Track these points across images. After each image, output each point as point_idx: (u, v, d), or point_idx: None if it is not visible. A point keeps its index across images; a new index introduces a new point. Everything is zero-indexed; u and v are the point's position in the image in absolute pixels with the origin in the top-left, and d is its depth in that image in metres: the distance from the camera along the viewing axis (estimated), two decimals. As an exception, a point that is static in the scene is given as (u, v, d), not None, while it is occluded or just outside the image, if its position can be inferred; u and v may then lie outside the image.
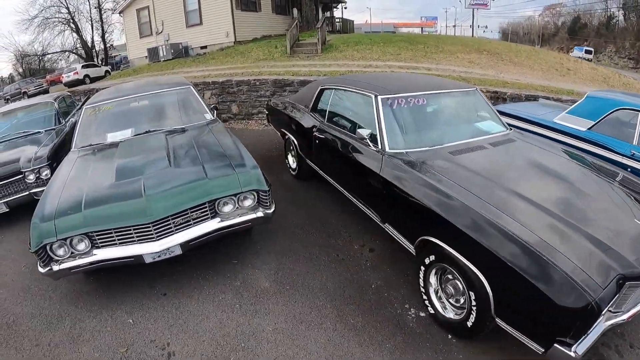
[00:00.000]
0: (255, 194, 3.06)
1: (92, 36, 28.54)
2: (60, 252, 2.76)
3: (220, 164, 3.21)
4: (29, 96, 20.92)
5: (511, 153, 2.94)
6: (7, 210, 4.95)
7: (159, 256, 2.88)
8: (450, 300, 2.42)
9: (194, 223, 2.96)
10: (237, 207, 3.06)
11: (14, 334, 2.95)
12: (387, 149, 2.94)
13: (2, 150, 5.56)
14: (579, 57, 22.66)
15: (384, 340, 2.46)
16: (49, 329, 2.91)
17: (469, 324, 2.20)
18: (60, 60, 30.15)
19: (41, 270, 2.76)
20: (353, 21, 26.27)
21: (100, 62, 26.36)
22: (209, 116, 4.67)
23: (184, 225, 2.94)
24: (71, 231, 2.69)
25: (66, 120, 6.75)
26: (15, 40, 43.79)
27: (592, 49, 36.17)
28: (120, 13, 18.70)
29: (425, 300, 2.57)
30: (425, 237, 2.41)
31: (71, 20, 27.45)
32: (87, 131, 4.34)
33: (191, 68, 13.18)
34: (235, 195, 3.00)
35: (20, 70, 47.98)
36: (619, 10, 45.08)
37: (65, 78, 21.53)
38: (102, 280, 3.48)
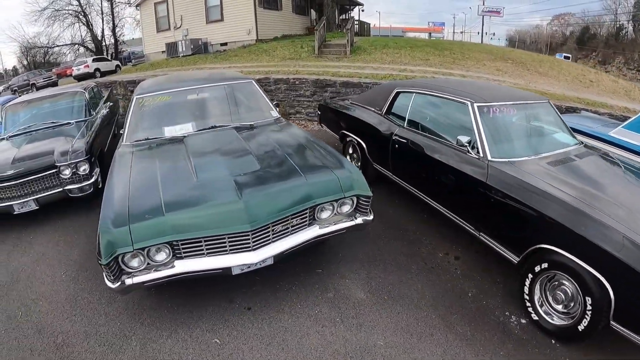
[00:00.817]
0: (354, 199, 2.80)
1: (103, 30, 28.02)
2: (134, 263, 2.34)
3: (316, 166, 2.89)
4: (37, 88, 20.29)
5: (599, 165, 2.99)
6: (37, 208, 4.42)
7: (248, 267, 2.53)
8: (557, 306, 2.43)
9: (292, 231, 2.65)
10: (335, 214, 2.80)
11: (67, 358, 2.43)
12: (489, 157, 2.88)
13: (31, 141, 4.97)
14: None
15: (496, 349, 2.40)
16: (113, 352, 2.49)
17: (581, 328, 2.24)
18: (69, 53, 29.50)
19: (111, 285, 2.34)
20: (370, 24, 25.94)
21: (110, 56, 25.70)
22: (274, 113, 4.24)
23: (282, 233, 2.61)
24: (153, 239, 2.28)
25: (96, 111, 6.14)
26: (25, 32, 42.81)
27: (570, 55, 36.39)
28: (137, 6, 18.14)
29: (528, 307, 2.58)
30: (540, 246, 2.41)
31: (82, 13, 26.90)
32: (140, 124, 3.86)
33: (215, 64, 12.62)
34: (336, 200, 2.72)
35: (25, 62, 47.43)
36: (628, 22, 45.14)
37: (75, 71, 21.04)
38: (164, 291, 3.02)
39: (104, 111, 6.33)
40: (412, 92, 3.93)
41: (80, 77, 20.81)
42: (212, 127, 3.74)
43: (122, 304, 2.96)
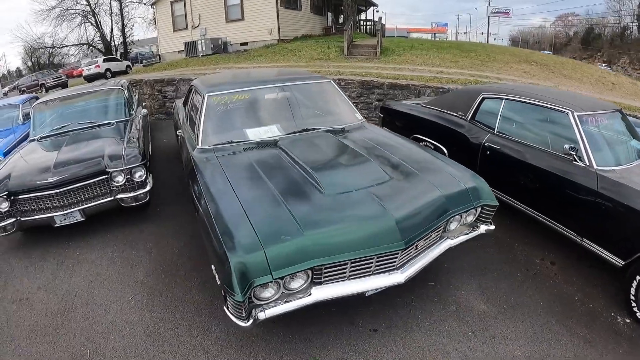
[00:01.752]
0: (478, 209, 2.62)
1: (112, 30, 27.45)
2: (267, 293, 1.98)
3: (442, 175, 2.65)
4: (47, 89, 19.73)
5: None
6: (82, 219, 3.83)
7: (381, 289, 2.26)
8: None
9: (428, 246, 2.48)
10: (461, 224, 2.66)
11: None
12: (595, 165, 2.90)
13: (71, 143, 4.35)
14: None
15: (615, 348, 2.43)
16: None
17: None
18: (77, 52, 28.85)
19: (242, 323, 1.94)
20: (384, 25, 25.45)
21: (119, 57, 25.11)
22: (358, 115, 3.82)
23: (423, 248, 2.43)
24: (294, 265, 1.92)
25: (135, 111, 5.51)
26: (33, 32, 42.11)
27: (550, 52, 36.34)
28: (152, 5, 17.56)
29: (634, 307, 2.63)
30: None
31: (91, 13, 26.34)
32: (216, 125, 3.36)
33: (240, 64, 12.02)
34: (465, 211, 2.52)
35: (29, 63, 46.88)
36: (633, 22, 44.96)
37: (85, 71, 20.51)
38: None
39: (143, 111, 5.69)
40: (502, 98, 3.82)
41: (91, 78, 20.23)
42: (304, 130, 3.33)
43: (221, 334, 2.52)
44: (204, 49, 14.44)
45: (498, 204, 2.67)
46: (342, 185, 2.36)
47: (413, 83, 8.17)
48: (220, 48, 14.75)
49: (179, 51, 16.44)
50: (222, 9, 15.51)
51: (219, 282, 1.96)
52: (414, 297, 2.83)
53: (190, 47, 14.93)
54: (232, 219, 2.07)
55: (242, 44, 15.34)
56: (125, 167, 3.75)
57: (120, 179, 3.79)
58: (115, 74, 20.84)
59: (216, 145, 3.11)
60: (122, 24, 27.44)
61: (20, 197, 3.67)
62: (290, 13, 16.01)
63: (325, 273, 2.04)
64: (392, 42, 15.51)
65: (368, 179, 2.45)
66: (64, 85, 20.67)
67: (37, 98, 8.56)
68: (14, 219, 3.69)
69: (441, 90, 8.06)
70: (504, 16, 41.10)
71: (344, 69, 9.77)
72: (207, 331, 2.57)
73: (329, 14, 20.97)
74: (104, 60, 21.19)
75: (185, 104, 4.94)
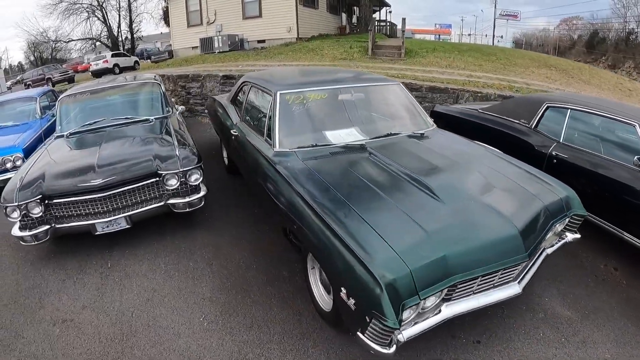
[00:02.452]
0: (569, 217, 2.56)
1: (119, 25, 26.92)
2: (406, 314, 1.82)
3: (533, 183, 2.57)
4: (53, 83, 19.17)
5: None
6: (128, 226, 3.41)
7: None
8: None
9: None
10: (553, 234, 2.57)
11: None
12: None
13: (109, 141, 3.89)
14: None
15: None
16: None
17: None
18: (82, 48, 28.26)
19: (384, 350, 1.77)
20: (397, 25, 25.13)
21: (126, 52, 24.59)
22: (429, 120, 3.61)
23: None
24: (438, 284, 1.82)
25: (171, 107, 5.05)
26: (38, 25, 41.35)
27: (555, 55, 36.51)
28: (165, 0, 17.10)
29: None
30: None
31: (98, 8, 25.84)
32: (293, 126, 3.12)
33: (260, 62, 11.58)
34: (560, 219, 2.47)
35: (32, 58, 46.23)
36: (638, 26, 44.90)
37: (93, 66, 19.99)
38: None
39: (180, 107, 5.23)
40: (567, 108, 3.83)
41: (99, 73, 19.75)
42: (388, 135, 3.15)
43: (320, 357, 2.27)
44: (220, 45, 13.99)
45: (587, 213, 2.63)
46: (457, 195, 2.27)
47: (451, 87, 7.91)
48: (237, 45, 14.31)
49: (192, 47, 15.98)
50: (239, 6, 15.07)
51: (353, 307, 1.78)
52: (504, 306, 2.70)
53: (206, 44, 14.48)
54: (363, 234, 1.90)
55: (259, 42, 14.89)
56: (180, 170, 3.32)
57: (173, 183, 3.37)
58: (122, 70, 20.41)
59: (298, 148, 2.84)
60: (130, 19, 26.97)
61: (56, 201, 3.24)
62: (307, 11, 15.61)
63: (457, 289, 1.97)
64: (412, 43, 15.20)
65: (475, 188, 2.37)
66: (70, 80, 20.14)
67: (53, 92, 8.10)
68: (47, 227, 3.26)
69: (479, 94, 7.91)
70: (513, 19, 41.00)
71: (373, 70, 9.37)
72: (304, 355, 2.28)
73: (343, 14, 20.62)
74: (112, 56, 20.71)
75: (233, 101, 4.52)
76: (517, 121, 4.17)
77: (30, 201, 3.12)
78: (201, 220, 3.94)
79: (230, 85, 8.36)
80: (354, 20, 21.63)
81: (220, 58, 12.95)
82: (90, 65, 20.46)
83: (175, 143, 3.70)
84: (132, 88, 5.07)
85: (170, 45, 23.82)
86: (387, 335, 1.73)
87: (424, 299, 1.75)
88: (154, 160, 3.38)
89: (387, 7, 26.39)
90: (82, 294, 2.99)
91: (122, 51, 23.82)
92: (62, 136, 4.36)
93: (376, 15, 25.94)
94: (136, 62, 22.24)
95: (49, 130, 6.26)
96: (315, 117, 3.18)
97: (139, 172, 3.30)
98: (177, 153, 3.46)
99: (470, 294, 2.05)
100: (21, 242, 3.30)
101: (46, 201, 3.21)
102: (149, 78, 5.25)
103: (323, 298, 2.43)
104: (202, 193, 3.53)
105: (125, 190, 3.28)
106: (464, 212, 2.12)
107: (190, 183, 3.41)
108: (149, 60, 25.10)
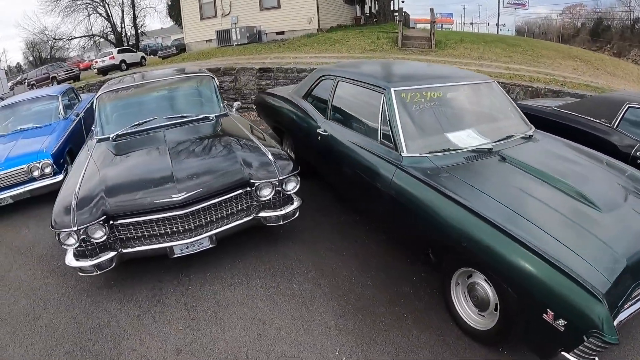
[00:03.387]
0: None
1: (122, 20, 25.99)
2: None
3: None
4: (59, 82, 18.39)
5: None
6: (212, 246, 2.80)
7: None
8: None
9: None
10: None
11: None
12: None
13: (178, 144, 3.22)
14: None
15: None
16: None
17: None
18: (86, 45, 27.30)
19: None
20: (409, 15, 24.36)
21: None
22: (527, 121, 3.20)
23: None
24: (627, 292, 1.76)
25: (225, 105, 4.33)
26: (40, 23, 40.33)
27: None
28: (176, -9, 16.27)
29: None
30: None
31: (100, 4, 24.91)
32: (416, 127, 2.74)
33: (285, 54, 10.84)
34: None
35: (31, 58, 45.21)
36: None
37: (99, 63, 19.11)
38: None
39: (236, 103, 4.52)
40: None
41: (106, 70, 19.01)
42: (507, 138, 2.81)
43: None
44: (238, 37, 13.22)
45: None
46: (610, 202, 2.14)
47: (502, 81, 7.54)
48: (255, 37, 13.54)
49: (206, 40, 15.21)
50: (256, -4, 14.28)
51: (562, 328, 1.65)
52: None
53: (223, 36, 13.70)
54: (554, 248, 1.77)
55: (277, 33, 14.13)
56: (279, 178, 2.70)
57: (266, 193, 2.77)
58: (130, 65, 19.62)
59: (430, 153, 2.52)
60: (134, 14, 26.03)
61: (124, 221, 2.56)
62: (326, 2, 14.85)
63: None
64: (439, 34, 14.61)
65: (616, 192, 2.28)
66: (76, 78, 19.37)
67: (73, 89, 7.35)
68: (113, 253, 2.58)
69: (530, 88, 7.65)
70: (521, 7, 40.27)
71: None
72: None
73: (357, 5, 19.87)
74: (119, 52, 19.88)
75: (307, 97, 3.90)
76: (598, 120, 4.12)
77: (93, 224, 2.43)
78: (285, 231, 3.30)
79: (267, 79, 7.65)
80: (366, 10, 20.89)
81: (240, 50, 12.20)
82: (97, 62, 19.58)
83: (261, 146, 3.08)
84: (182, 82, 4.34)
85: (177, 40, 23.18)
86: (601, 350, 1.66)
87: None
88: (243, 167, 2.76)
89: (400, -2, 25.53)
90: (169, 333, 2.35)
91: (128, 47, 22.92)
92: (105, 139, 3.65)
93: (394, 5, 25.14)
94: (143, 57, 21.47)
95: (74, 132, 5.55)
96: (434, 118, 2.82)
97: (228, 182, 2.68)
98: (271, 158, 2.89)
99: None
100: (80, 272, 2.65)
101: (110, 222, 2.54)
102: (198, 71, 4.51)
103: (471, 316, 2.24)
104: (296, 203, 2.98)
105: (210, 204, 2.62)
106: (624, 220, 2.05)
107: (287, 192, 2.84)
108: (152, 56, 24.29)
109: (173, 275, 2.90)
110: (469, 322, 2.23)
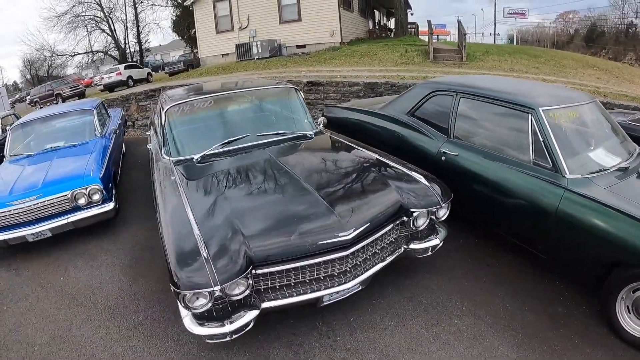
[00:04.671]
0: None
1: (126, 36, 25.44)
2: None
3: None
4: (64, 99, 17.65)
5: None
6: (362, 287, 2.26)
7: None
8: None
9: None
10: None
11: None
12: None
13: (300, 165, 2.65)
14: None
15: None
16: None
17: None
18: (87, 62, 26.64)
19: None
20: (418, 25, 24.34)
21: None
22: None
23: None
24: None
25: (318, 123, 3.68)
26: (42, 39, 39.89)
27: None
28: (190, 6, 15.75)
29: None
30: None
31: (104, 20, 24.40)
32: (572, 147, 2.63)
33: (314, 67, 10.35)
34: None
35: (28, 76, 44.49)
36: (636, 18, 44.98)
37: (105, 79, 18.44)
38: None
39: (321, 119, 3.84)
40: None
41: (112, 86, 18.35)
42: (632, 155, 2.72)
43: None
44: (259, 51, 12.68)
45: None
46: None
47: None
48: (276, 51, 13.02)
49: (222, 55, 14.67)
50: (276, 9, 13.83)
51: None
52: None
53: (243, 50, 13.16)
54: None
55: (298, 47, 13.65)
56: (441, 205, 2.44)
57: (422, 222, 2.44)
58: (137, 82, 18.99)
59: (591, 174, 2.44)
60: (138, 30, 25.53)
61: (269, 269, 1.97)
62: (346, 14, 14.52)
63: None
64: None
65: None
66: (81, 95, 18.65)
67: (103, 103, 6.65)
68: (255, 312, 1.96)
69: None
70: (520, 17, 41.02)
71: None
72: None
73: (370, 18, 19.68)
74: (126, 67, 19.25)
75: (413, 113, 3.58)
76: None
77: (240, 278, 1.79)
78: (412, 261, 2.90)
79: (315, 93, 7.05)
80: (376, 23, 20.75)
81: (264, 65, 11.64)
82: (102, 78, 18.93)
83: (404, 169, 2.72)
84: (264, 93, 3.73)
85: (183, 55, 22.67)
86: None
87: None
88: (400, 194, 2.40)
89: (409, 9, 25.52)
90: None
91: (134, 62, 22.34)
92: (186, 161, 2.97)
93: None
94: (149, 74, 20.83)
95: (112, 152, 4.83)
96: (578, 138, 2.80)
97: (390, 213, 2.28)
98: (425, 182, 2.55)
99: None
100: (207, 340, 2.04)
101: (253, 271, 1.91)
102: (286, 84, 3.86)
103: (635, 328, 2.19)
104: (444, 232, 2.64)
105: (371, 241, 2.13)
106: None
107: (439, 219, 2.52)
108: (155, 73, 23.67)
109: (309, 326, 2.38)
110: (633, 333, 2.21)
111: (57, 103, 18.00)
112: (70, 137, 5.00)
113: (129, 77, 18.74)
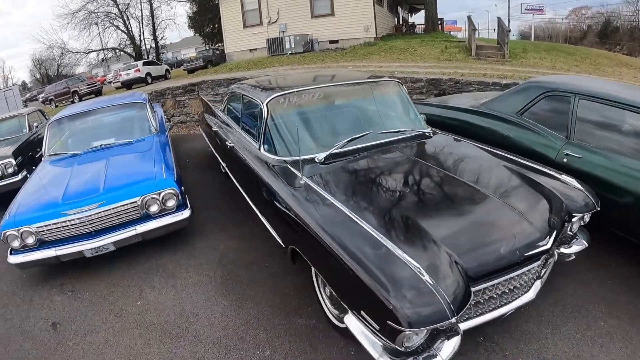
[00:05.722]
0: None
1: (142, 33, 24.92)
2: None
3: None
4: (80, 96, 17.16)
5: None
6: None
7: None
8: None
9: None
10: None
11: None
12: None
13: (452, 166, 2.09)
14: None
15: None
16: None
17: None
18: (93, 62, 26.16)
19: None
20: (444, 20, 23.61)
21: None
22: None
23: None
24: None
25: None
26: (57, 37, 39.50)
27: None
28: (215, 0, 15.14)
29: None
30: None
31: (118, 16, 23.90)
32: None
33: (353, 63, 9.76)
34: None
35: (38, 75, 44.23)
36: None
37: (123, 76, 17.97)
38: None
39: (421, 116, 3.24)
40: None
41: (130, 83, 17.90)
42: None
43: None
44: (292, 46, 12.07)
45: None
46: None
47: None
48: (309, 46, 12.40)
49: (250, 50, 14.06)
50: (307, 3, 13.21)
51: None
52: None
53: (275, 45, 12.55)
54: None
55: (330, 42, 13.03)
56: (598, 208, 2.27)
57: (576, 226, 2.32)
58: (154, 79, 18.48)
59: None
60: (153, 26, 25.00)
61: (481, 287, 1.75)
62: (379, 10, 13.91)
63: None
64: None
65: None
66: (98, 92, 18.15)
67: (150, 99, 6.03)
68: (457, 337, 1.64)
69: None
70: (539, 13, 40.25)
71: (519, 73, 7.89)
72: None
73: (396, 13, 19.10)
74: (144, 64, 18.82)
75: (522, 113, 3.38)
76: None
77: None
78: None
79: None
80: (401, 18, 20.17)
81: (299, 60, 11.02)
82: (120, 74, 18.48)
83: (549, 171, 2.51)
84: (370, 89, 3.23)
85: (201, 51, 22.05)
86: None
87: None
88: (561, 198, 2.23)
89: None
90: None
91: (152, 60, 21.84)
92: (307, 162, 2.45)
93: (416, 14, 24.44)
94: (167, 70, 20.37)
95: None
96: None
97: (562, 217, 2.11)
98: (577, 185, 2.38)
99: None
100: None
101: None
102: (388, 77, 3.25)
103: None
104: (587, 235, 2.45)
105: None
106: None
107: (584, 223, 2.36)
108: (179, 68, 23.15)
109: (472, 343, 2.12)
110: None
111: (73, 101, 17.55)
112: (120, 133, 4.39)
113: (148, 73, 18.27)
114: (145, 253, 3.34)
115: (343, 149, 2.50)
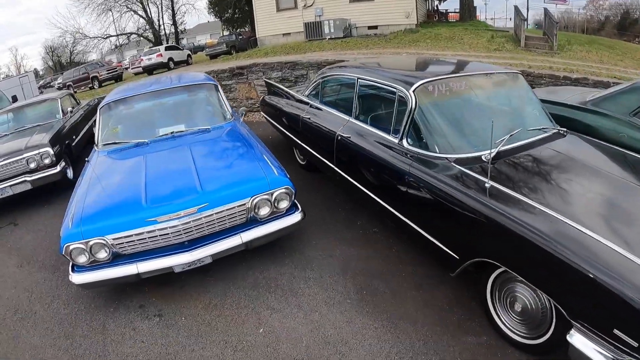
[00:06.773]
0: None
1: (161, 18, 24.20)
2: None
3: None
4: (100, 82, 16.63)
5: None
6: None
7: None
8: None
9: None
10: None
11: None
12: None
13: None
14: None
15: None
16: None
17: None
18: (105, 48, 25.49)
19: None
20: (477, 7, 22.57)
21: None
22: None
23: None
24: None
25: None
26: (75, 22, 38.96)
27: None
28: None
29: None
30: None
31: (137, 0, 23.14)
32: None
33: (403, 50, 9.19)
34: None
35: (50, 63, 43.71)
36: None
37: (145, 61, 17.42)
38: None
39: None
40: None
41: (152, 68, 17.35)
42: None
43: None
44: (332, 30, 11.40)
45: None
46: None
47: None
48: (348, 31, 11.72)
49: (283, 34, 13.39)
50: (346, -14, 12.46)
51: None
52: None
53: (313, 29, 11.88)
54: None
55: (369, 28, 12.32)
56: None
57: None
58: (177, 64, 17.89)
59: None
60: (173, 11, 24.27)
61: None
62: (418, -5, 13.07)
63: None
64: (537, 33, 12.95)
65: None
66: (118, 78, 17.63)
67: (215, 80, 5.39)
68: None
69: None
70: (561, 3, 39.58)
71: (575, 67, 7.38)
72: None
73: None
74: (166, 49, 18.28)
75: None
76: None
77: None
78: None
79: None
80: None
81: (341, 45, 10.36)
82: (142, 59, 17.92)
83: None
84: (508, 81, 2.90)
85: (224, 37, 21.31)
86: None
87: None
88: None
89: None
90: None
91: (174, 45, 21.20)
92: (472, 161, 2.14)
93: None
94: (189, 55, 19.79)
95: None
96: None
97: None
98: None
99: None
100: None
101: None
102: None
103: None
104: None
105: None
106: None
107: None
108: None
109: None
110: None
111: (92, 87, 17.03)
112: (190, 119, 3.80)
113: (170, 58, 17.68)
114: (243, 263, 2.79)
115: (504, 147, 2.16)
